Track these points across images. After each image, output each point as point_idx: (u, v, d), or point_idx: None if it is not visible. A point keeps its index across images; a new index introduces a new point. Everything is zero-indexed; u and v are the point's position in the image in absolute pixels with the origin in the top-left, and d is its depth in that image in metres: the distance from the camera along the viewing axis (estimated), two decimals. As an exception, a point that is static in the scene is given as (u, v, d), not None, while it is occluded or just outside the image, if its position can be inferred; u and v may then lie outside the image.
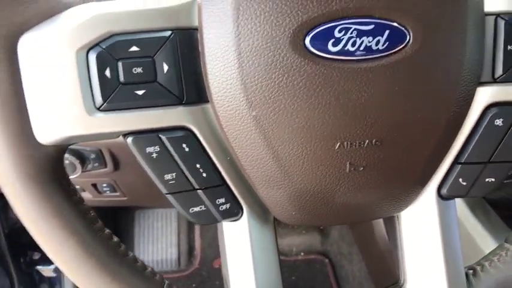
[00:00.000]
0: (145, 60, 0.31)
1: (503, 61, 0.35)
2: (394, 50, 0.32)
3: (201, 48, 0.33)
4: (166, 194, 0.35)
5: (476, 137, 0.37)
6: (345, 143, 0.34)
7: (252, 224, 0.39)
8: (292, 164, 0.35)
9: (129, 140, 0.33)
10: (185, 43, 0.32)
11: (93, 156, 0.73)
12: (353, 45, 0.31)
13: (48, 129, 0.32)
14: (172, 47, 0.32)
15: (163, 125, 0.33)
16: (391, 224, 0.44)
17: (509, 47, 0.34)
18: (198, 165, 0.35)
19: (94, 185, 0.87)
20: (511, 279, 0.41)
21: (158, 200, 0.97)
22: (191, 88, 0.33)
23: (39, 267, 1.23)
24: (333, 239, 1.44)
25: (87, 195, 0.90)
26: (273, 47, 0.31)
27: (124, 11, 0.31)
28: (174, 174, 0.35)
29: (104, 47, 0.31)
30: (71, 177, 0.70)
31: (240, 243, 0.39)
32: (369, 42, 0.31)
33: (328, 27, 0.31)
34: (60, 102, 0.31)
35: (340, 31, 0.31)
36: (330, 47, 0.31)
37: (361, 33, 0.31)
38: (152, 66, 0.32)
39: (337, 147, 0.34)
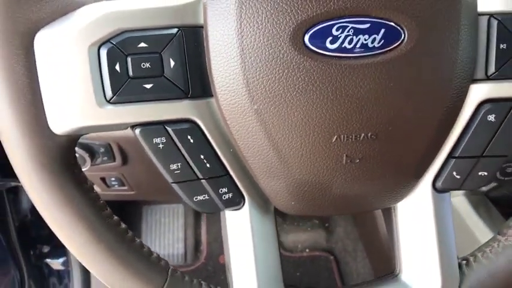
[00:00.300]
0: (153, 56, 0.33)
1: (496, 59, 0.36)
2: (389, 48, 0.33)
3: (205, 45, 0.34)
4: (172, 183, 0.37)
5: (470, 132, 0.38)
6: (342, 136, 0.35)
7: (253, 213, 0.40)
8: (291, 156, 0.36)
9: (137, 131, 0.35)
10: (191, 40, 0.34)
11: (102, 150, 0.75)
12: (350, 42, 0.33)
13: (61, 120, 0.34)
14: (179, 43, 0.34)
15: (169, 118, 0.35)
16: (388, 216, 0.45)
17: (501, 46, 0.36)
18: (202, 156, 0.37)
19: (103, 179, 0.89)
20: (501, 269, 0.42)
21: (165, 195, 0.99)
22: (196, 83, 0.35)
23: (48, 260, 1.25)
24: (337, 236, 1.45)
25: (96, 189, 0.92)
26: (274, 44, 0.33)
27: (134, 9, 0.33)
28: (179, 164, 0.36)
29: (114, 43, 0.33)
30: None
31: (241, 232, 0.41)
32: (365, 40, 0.33)
33: (326, 25, 0.33)
34: (73, 94, 0.33)
35: (337, 29, 0.33)
36: (328, 45, 0.33)
37: (357, 32, 0.33)
38: (159, 62, 0.33)
39: (334, 139, 0.36)
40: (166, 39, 0.33)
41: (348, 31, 0.33)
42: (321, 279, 1.41)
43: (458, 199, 0.99)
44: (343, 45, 0.33)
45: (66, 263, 1.24)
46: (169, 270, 0.40)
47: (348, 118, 0.35)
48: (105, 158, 0.77)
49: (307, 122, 0.35)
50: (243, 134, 0.36)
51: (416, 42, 0.34)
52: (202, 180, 0.38)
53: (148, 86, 0.34)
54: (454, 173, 0.40)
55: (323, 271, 1.41)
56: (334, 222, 1.47)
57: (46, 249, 1.24)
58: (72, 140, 0.36)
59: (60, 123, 0.34)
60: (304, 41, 0.33)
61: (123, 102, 0.34)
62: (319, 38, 0.33)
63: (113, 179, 0.89)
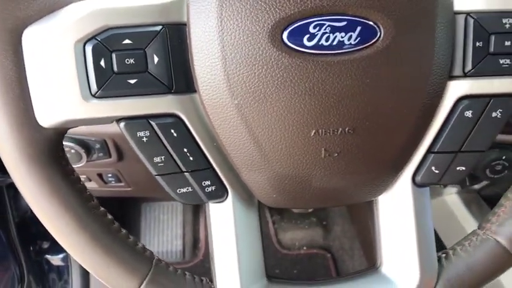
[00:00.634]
0: (137, 52, 0.34)
1: (472, 57, 0.37)
2: (365, 45, 0.34)
3: (189, 42, 0.36)
4: (156, 175, 0.38)
5: (448, 128, 0.39)
6: (320, 130, 0.36)
7: (236, 206, 0.41)
8: (271, 149, 0.37)
9: (122, 124, 0.36)
10: (175, 37, 0.35)
11: (98, 146, 0.76)
12: (327, 40, 0.34)
13: (48, 114, 0.35)
14: (163, 40, 0.35)
15: (153, 112, 0.36)
16: (371, 209, 0.46)
17: (477, 44, 0.37)
18: (185, 150, 0.38)
19: (100, 175, 0.90)
20: (479, 262, 0.43)
21: (162, 191, 0.99)
22: (180, 78, 0.36)
23: (48, 256, 1.26)
24: (335, 234, 1.46)
25: (93, 185, 0.93)
26: (253, 41, 0.34)
27: (119, 7, 0.34)
28: (162, 157, 0.38)
29: (99, 39, 0.34)
30: (76, 166, 0.74)
31: (224, 224, 0.42)
32: (342, 37, 0.34)
33: (304, 23, 0.34)
34: (60, 89, 0.34)
35: (314, 27, 0.34)
36: (306, 42, 0.34)
37: (334, 29, 0.34)
38: (143, 58, 0.35)
39: (312, 134, 0.37)
40: (151, 36, 0.35)
41: (325, 29, 0.34)
42: (318, 277, 1.42)
43: (451, 197, 1.00)
44: (320, 43, 0.34)
45: (65, 259, 1.25)
46: (154, 260, 0.42)
47: (325, 113, 0.36)
48: (101, 154, 0.78)
49: (286, 116, 0.36)
50: (224, 128, 0.37)
51: (392, 39, 0.35)
52: (185, 173, 0.39)
53: (132, 81, 0.35)
54: (433, 168, 0.41)
55: (320, 268, 1.42)
56: (331, 220, 1.48)
57: (46, 245, 1.25)
58: (60, 133, 0.37)
59: (47, 116, 0.35)
60: (282, 38, 0.34)
61: (108, 97, 0.35)
62: (297, 35, 0.34)
63: (110, 175, 0.90)
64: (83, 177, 0.90)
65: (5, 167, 0.37)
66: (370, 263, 0.47)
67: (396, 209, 0.44)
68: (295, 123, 0.36)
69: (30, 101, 0.35)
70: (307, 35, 0.34)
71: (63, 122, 0.35)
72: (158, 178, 0.39)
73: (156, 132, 0.37)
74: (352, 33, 0.34)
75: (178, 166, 0.38)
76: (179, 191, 0.39)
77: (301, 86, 0.35)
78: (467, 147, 0.40)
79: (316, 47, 0.34)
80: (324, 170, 0.39)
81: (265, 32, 0.34)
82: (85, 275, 1.24)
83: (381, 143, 0.38)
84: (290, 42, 0.34)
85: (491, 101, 0.38)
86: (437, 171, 0.41)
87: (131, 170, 0.86)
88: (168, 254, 1.43)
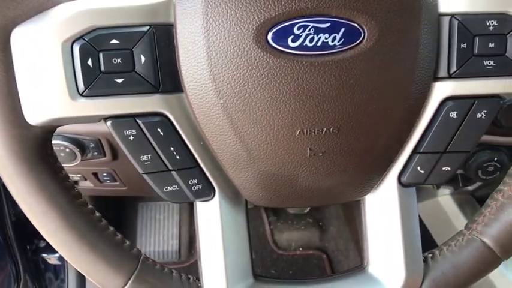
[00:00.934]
0: (124, 52, 0.35)
1: (457, 58, 0.38)
2: (349, 46, 0.35)
3: (175, 42, 0.36)
4: (143, 173, 0.39)
5: (433, 129, 0.40)
6: (305, 130, 0.37)
7: (223, 205, 0.42)
8: (257, 148, 0.38)
9: (109, 123, 0.37)
10: (162, 37, 0.36)
11: (92, 145, 0.76)
12: (311, 41, 0.34)
13: (36, 111, 0.35)
14: (150, 40, 0.35)
15: (140, 111, 0.36)
16: (358, 209, 0.47)
17: (462, 45, 0.37)
18: (172, 148, 0.38)
19: (95, 174, 0.90)
20: (464, 261, 0.44)
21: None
22: (167, 78, 0.36)
23: (44, 255, 1.26)
24: (330, 235, 1.47)
25: (88, 184, 0.93)
26: (238, 41, 0.34)
27: (106, 8, 0.35)
28: (149, 155, 0.38)
29: (87, 39, 0.34)
30: (71, 165, 0.74)
31: (211, 223, 0.42)
32: (326, 38, 0.35)
33: (288, 24, 0.34)
34: (47, 87, 0.35)
35: (299, 28, 0.34)
36: (290, 43, 0.34)
37: (318, 31, 0.34)
38: (131, 58, 0.35)
39: (297, 133, 0.37)
40: (138, 36, 0.35)
41: (309, 30, 0.34)
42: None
43: (445, 198, 1.00)
44: (304, 44, 0.34)
45: (62, 258, 1.25)
46: (141, 258, 0.42)
47: (310, 113, 0.36)
48: (96, 153, 0.78)
49: (271, 116, 0.36)
50: (210, 127, 0.37)
51: (376, 41, 0.35)
52: (172, 172, 0.39)
53: (119, 81, 0.35)
54: (419, 168, 0.42)
55: (315, 269, 1.42)
56: (327, 221, 1.48)
57: (42, 244, 1.25)
58: (47, 131, 0.37)
59: (35, 114, 0.35)
60: (267, 39, 0.34)
61: (95, 96, 0.35)
62: (281, 36, 0.34)
63: (105, 174, 0.90)
64: (78, 176, 0.90)
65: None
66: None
67: (382, 209, 0.44)
68: (280, 123, 0.37)
69: (18, 99, 0.35)
70: (292, 36, 0.34)
71: (50, 120, 0.36)
72: (145, 176, 0.39)
73: (143, 130, 0.37)
74: (336, 35, 0.35)
75: (165, 164, 0.39)
76: (166, 189, 0.40)
77: (286, 86, 0.35)
78: (453, 147, 0.40)
79: (301, 47, 0.35)
80: (309, 169, 0.39)
81: (250, 33, 0.34)
82: (81, 274, 1.23)
83: (365, 143, 0.39)
84: (275, 43, 0.34)
85: (476, 102, 0.39)
86: (422, 172, 0.42)
87: (126, 169, 0.86)
88: (164, 253, 1.43)
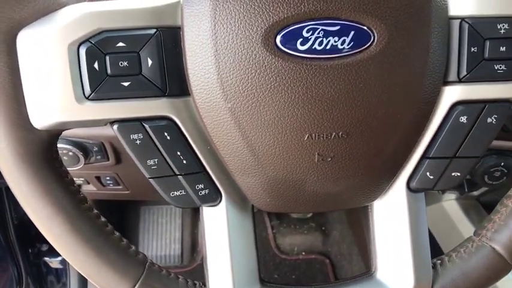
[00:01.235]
0: (131, 55, 0.34)
1: (467, 62, 0.37)
2: (358, 50, 0.34)
3: (182, 45, 0.36)
4: (149, 178, 0.38)
5: (443, 133, 0.39)
6: (313, 134, 0.36)
7: (230, 210, 0.41)
8: (264, 153, 0.37)
9: (115, 127, 0.36)
10: (169, 40, 0.35)
11: (95, 149, 0.76)
12: (320, 44, 0.34)
13: (42, 115, 0.35)
14: (157, 43, 0.35)
15: (147, 115, 0.36)
16: (365, 214, 0.46)
17: (472, 49, 0.37)
18: (178, 153, 0.38)
19: (98, 178, 0.90)
20: (474, 268, 0.43)
21: (160, 195, 1.00)
22: (174, 81, 0.36)
23: (46, 259, 1.26)
24: (333, 240, 1.46)
25: (91, 188, 0.93)
26: (246, 45, 0.34)
27: (113, 10, 0.34)
28: (156, 160, 0.38)
29: (93, 42, 0.34)
30: (74, 168, 0.74)
31: (217, 228, 0.42)
32: (335, 41, 0.34)
33: (297, 27, 0.34)
34: (53, 91, 0.34)
35: (308, 31, 0.34)
36: (299, 46, 0.34)
37: (327, 34, 0.34)
38: (137, 61, 0.35)
39: (305, 138, 0.37)
40: (144, 39, 0.35)
41: (318, 33, 0.34)
42: (316, 283, 1.41)
43: (450, 203, 1.00)
44: (313, 47, 0.34)
45: (64, 262, 1.25)
46: (147, 263, 0.41)
47: (318, 117, 0.36)
48: (99, 157, 0.78)
49: (280, 120, 0.36)
50: (218, 131, 0.37)
51: (386, 44, 0.35)
52: (179, 176, 0.39)
53: (126, 84, 0.35)
54: (428, 174, 0.41)
55: (318, 274, 1.42)
56: (330, 226, 1.47)
57: (44, 247, 1.25)
58: (53, 135, 0.37)
59: (41, 118, 0.35)
60: (275, 42, 0.34)
61: (101, 99, 0.35)
62: (290, 39, 0.34)
63: (108, 178, 0.90)
64: (81, 180, 0.90)
65: (3, 170, 0.37)
66: (368, 269, 0.47)
67: (391, 215, 0.43)
68: (288, 127, 0.36)
69: (24, 102, 0.35)
70: (301, 39, 0.34)
71: (56, 123, 0.35)
72: (151, 181, 0.39)
73: (149, 134, 0.37)
74: (345, 38, 0.34)
75: (172, 169, 0.38)
76: (172, 194, 0.39)
77: (294, 90, 0.35)
78: (462, 153, 0.40)
79: (309, 51, 0.34)
80: (318, 175, 0.39)
81: (259, 36, 0.34)
82: (83, 277, 1.23)
83: (374, 148, 0.38)
84: (283, 46, 0.34)
85: (486, 106, 0.38)
86: (432, 177, 0.41)
87: (129, 173, 0.86)
88: (166, 258, 1.43)
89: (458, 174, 0.41)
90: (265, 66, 0.34)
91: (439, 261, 0.45)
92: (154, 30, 0.35)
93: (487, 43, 0.37)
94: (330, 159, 0.38)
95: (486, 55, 0.37)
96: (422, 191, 0.43)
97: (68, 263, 1.29)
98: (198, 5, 0.34)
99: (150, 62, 0.35)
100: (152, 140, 0.37)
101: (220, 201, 0.41)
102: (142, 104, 0.36)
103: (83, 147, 0.75)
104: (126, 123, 0.36)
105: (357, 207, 0.44)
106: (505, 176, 0.75)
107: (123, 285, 0.40)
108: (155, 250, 1.44)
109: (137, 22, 0.35)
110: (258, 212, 0.44)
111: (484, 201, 0.99)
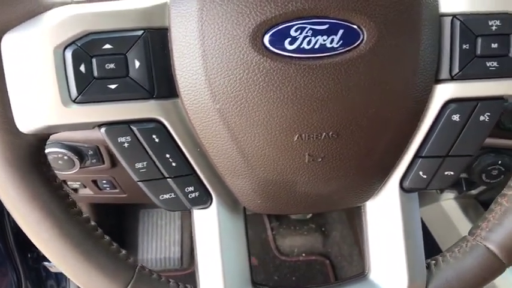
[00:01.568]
0: (117, 57, 0.34)
1: (459, 59, 0.37)
2: (348, 48, 0.34)
3: (170, 47, 0.35)
4: (138, 181, 0.38)
5: (435, 132, 0.39)
6: (303, 135, 0.36)
7: (221, 212, 0.41)
8: (254, 154, 0.37)
9: (102, 130, 0.36)
10: (157, 42, 0.35)
11: (91, 152, 0.76)
12: (308, 43, 0.34)
13: (28, 119, 0.35)
14: (144, 45, 0.34)
15: (134, 117, 0.36)
16: (359, 215, 0.46)
17: (464, 46, 0.36)
18: (167, 155, 0.37)
19: (94, 182, 0.90)
20: (468, 268, 0.43)
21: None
22: (162, 83, 0.36)
23: (46, 263, 1.25)
24: (333, 241, 1.46)
25: (88, 192, 0.92)
26: (234, 45, 0.34)
27: (99, 12, 0.34)
28: (144, 163, 0.37)
29: (79, 44, 0.33)
30: (70, 172, 0.73)
31: (208, 231, 0.41)
32: (324, 40, 0.34)
33: (285, 26, 0.33)
34: (39, 94, 0.34)
35: (296, 30, 0.33)
36: (287, 45, 0.34)
37: (316, 33, 0.34)
38: (124, 63, 0.34)
39: (295, 139, 0.36)
40: (131, 40, 0.34)
41: (307, 32, 0.33)
42: (316, 284, 1.40)
43: (449, 202, 0.99)
44: (301, 46, 0.34)
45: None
46: (137, 267, 0.41)
47: (308, 117, 0.35)
48: (94, 161, 0.78)
49: (269, 121, 0.35)
50: (207, 133, 0.37)
51: (376, 42, 0.34)
52: (168, 179, 0.38)
53: (113, 87, 0.34)
54: (421, 173, 0.41)
55: (319, 275, 1.41)
56: (330, 226, 1.47)
57: (43, 252, 1.25)
58: (40, 139, 0.37)
59: (27, 122, 0.35)
60: (263, 42, 0.34)
61: (88, 102, 0.35)
62: (278, 39, 0.34)
63: (104, 181, 0.89)
64: (77, 184, 0.89)
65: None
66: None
67: (384, 215, 0.43)
68: (277, 128, 0.36)
69: (10, 106, 0.34)
70: (289, 39, 0.34)
71: (43, 127, 0.35)
72: (140, 184, 0.38)
73: (137, 137, 0.36)
74: (334, 37, 0.34)
75: (161, 172, 0.38)
76: (162, 197, 0.39)
77: (283, 90, 0.34)
78: (455, 151, 0.40)
79: (298, 50, 0.34)
80: (308, 175, 0.38)
81: (246, 36, 0.33)
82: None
83: (366, 147, 0.38)
84: (271, 45, 0.34)
85: (479, 104, 0.38)
86: (425, 176, 0.41)
87: (125, 176, 0.85)
88: (166, 260, 1.42)
89: (452, 173, 0.41)
90: (253, 66, 0.34)
91: (433, 262, 0.44)
92: (142, 31, 0.34)
93: (479, 40, 0.36)
94: (320, 159, 0.37)
95: (478, 52, 0.36)
96: (416, 190, 0.43)
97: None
98: (185, 6, 0.34)
99: (137, 63, 0.34)
100: (140, 142, 0.36)
101: (210, 204, 0.41)
102: (129, 106, 0.35)
103: (78, 151, 0.75)
104: (114, 126, 0.36)
105: (349, 207, 0.44)
106: (503, 175, 0.74)
107: None
108: (155, 253, 1.43)
109: (124, 24, 0.34)
110: (258, 213, 0.44)
111: (483, 200, 0.99)
